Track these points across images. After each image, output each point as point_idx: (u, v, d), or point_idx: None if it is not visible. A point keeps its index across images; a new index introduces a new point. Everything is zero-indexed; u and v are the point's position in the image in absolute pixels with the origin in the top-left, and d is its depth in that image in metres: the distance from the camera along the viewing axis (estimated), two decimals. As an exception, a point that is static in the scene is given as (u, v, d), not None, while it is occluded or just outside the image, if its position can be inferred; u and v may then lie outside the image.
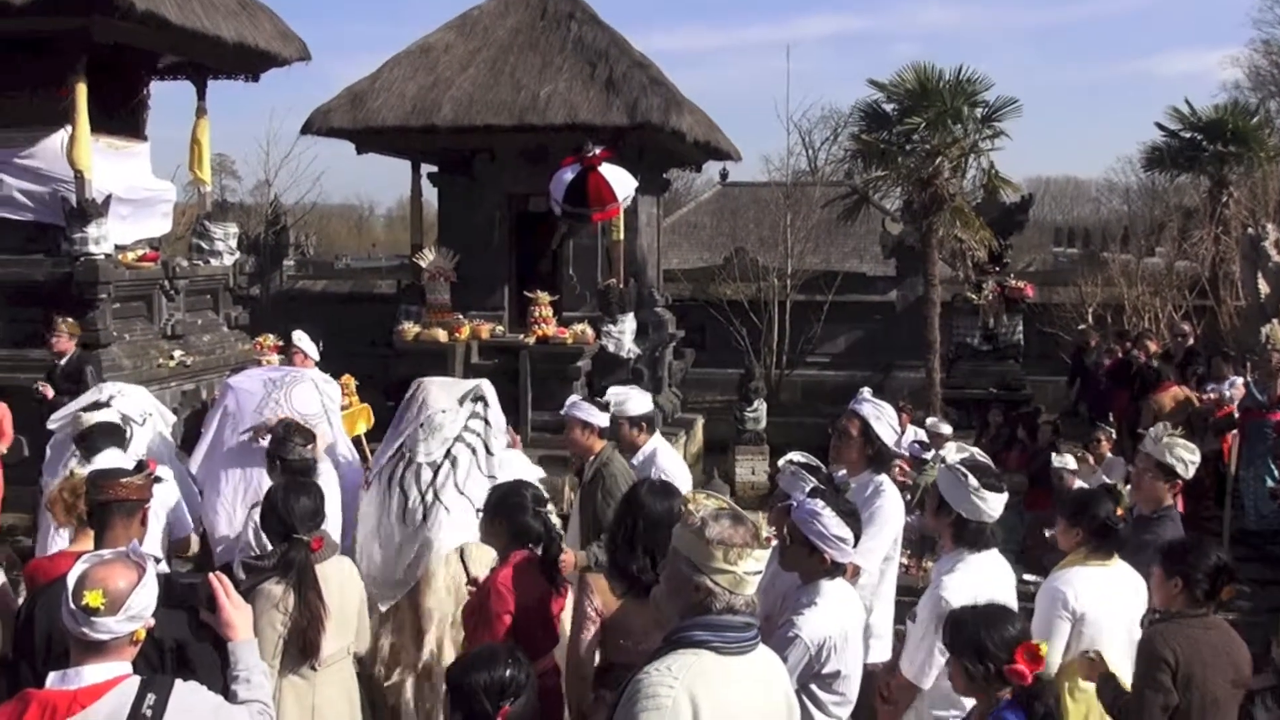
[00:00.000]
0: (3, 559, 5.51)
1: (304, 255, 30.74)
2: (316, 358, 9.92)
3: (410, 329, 15.73)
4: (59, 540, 5.48)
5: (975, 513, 4.59)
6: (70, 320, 10.30)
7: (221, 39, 11.87)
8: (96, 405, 6.73)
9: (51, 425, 7.08)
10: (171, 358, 11.92)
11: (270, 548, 4.76)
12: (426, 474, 6.10)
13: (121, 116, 12.59)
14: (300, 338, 10.05)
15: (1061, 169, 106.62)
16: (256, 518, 5.35)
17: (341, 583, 4.77)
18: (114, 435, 6.32)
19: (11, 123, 11.50)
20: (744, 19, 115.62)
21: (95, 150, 11.36)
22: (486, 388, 6.47)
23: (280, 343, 11.59)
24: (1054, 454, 11.36)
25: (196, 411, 11.26)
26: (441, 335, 15.49)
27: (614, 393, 7.18)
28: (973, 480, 4.58)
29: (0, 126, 11.52)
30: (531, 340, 15.40)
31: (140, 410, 7.18)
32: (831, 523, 4.17)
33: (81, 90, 11.04)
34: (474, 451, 6.19)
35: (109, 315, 11.25)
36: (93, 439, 6.19)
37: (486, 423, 6.29)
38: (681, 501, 3.37)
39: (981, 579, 4.54)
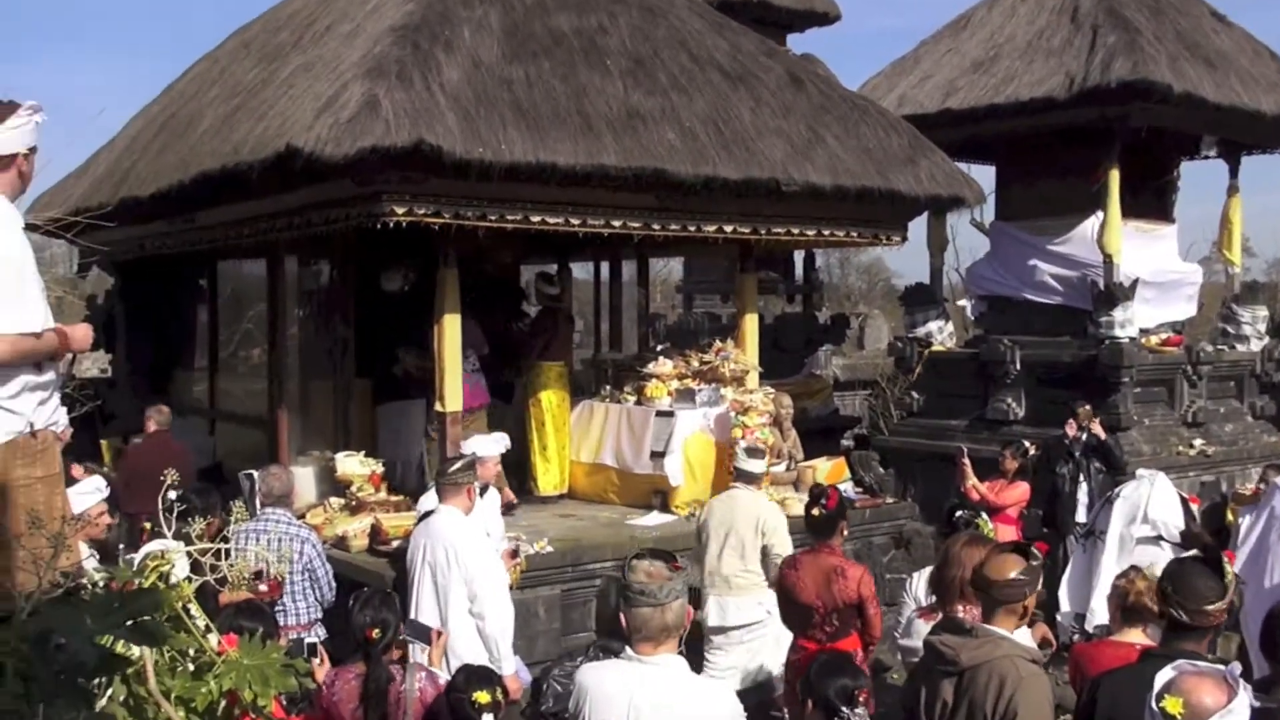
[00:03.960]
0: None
1: (1336, 341, 27.94)
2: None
3: None
4: None
5: None
6: (1086, 407, 10.39)
7: (1260, 112, 11.40)
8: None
9: None
10: (1191, 446, 11.58)
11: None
12: None
13: (1148, 199, 12.62)
14: None
15: None
16: None
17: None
18: None
19: (1045, 211, 12.19)
20: None
21: (1124, 234, 11.52)
22: None
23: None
24: None
25: (1216, 505, 10.71)
26: None
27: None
28: None
29: (1036, 216, 12.26)
30: None
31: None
32: None
33: (1114, 176, 11.32)
34: None
35: (1130, 399, 11.27)
36: None
37: None
38: None
39: None
